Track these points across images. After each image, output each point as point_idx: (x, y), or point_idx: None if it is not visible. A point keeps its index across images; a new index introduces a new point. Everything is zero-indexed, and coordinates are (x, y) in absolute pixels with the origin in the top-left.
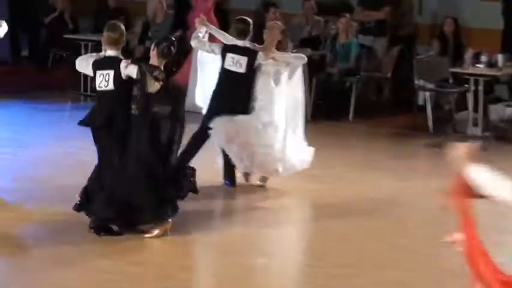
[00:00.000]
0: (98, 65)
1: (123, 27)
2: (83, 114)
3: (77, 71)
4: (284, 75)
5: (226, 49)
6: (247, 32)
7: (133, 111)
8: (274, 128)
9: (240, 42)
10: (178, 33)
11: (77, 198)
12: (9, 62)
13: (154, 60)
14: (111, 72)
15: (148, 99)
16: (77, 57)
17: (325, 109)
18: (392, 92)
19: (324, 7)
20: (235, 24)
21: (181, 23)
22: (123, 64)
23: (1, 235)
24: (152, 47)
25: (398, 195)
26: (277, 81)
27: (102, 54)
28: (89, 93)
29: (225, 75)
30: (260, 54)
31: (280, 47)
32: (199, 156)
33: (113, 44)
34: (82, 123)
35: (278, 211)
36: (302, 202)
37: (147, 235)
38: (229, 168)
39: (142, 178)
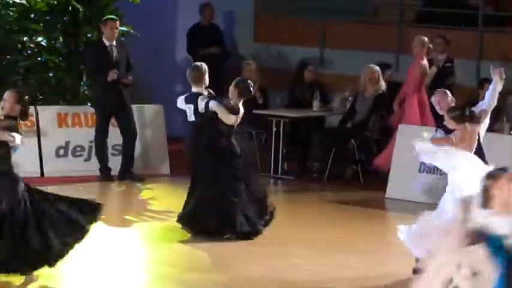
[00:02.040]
0: (186, 100)
1: (203, 66)
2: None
3: (267, 154)
4: None
5: None
6: None
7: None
8: None
9: None
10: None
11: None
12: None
13: (234, 98)
14: (192, 106)
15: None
16: (268, 135)
17: None
18: None
19: None
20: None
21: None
22: (199, 98)
23: None
24: (232, 86)
25: None
26: None
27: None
28: (279, 175)
29: None
30: None
31: None
32: None
33: (194, 81)
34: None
35: None
36: None
37: None
38: None
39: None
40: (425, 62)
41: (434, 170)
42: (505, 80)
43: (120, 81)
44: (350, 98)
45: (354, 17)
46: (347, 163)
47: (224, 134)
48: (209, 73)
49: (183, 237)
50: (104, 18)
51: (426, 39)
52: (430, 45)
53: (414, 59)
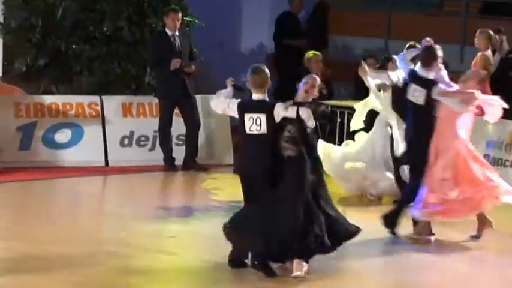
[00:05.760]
0: (245, 108)
1: (267, 70)
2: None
3: None
4: None
5: None
6: None
7: (287, 153)
8: None
9: None
10: None
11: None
12: None
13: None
14: (263, 116)
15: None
16: (331, 127)
17: None
18: None
19: None
20: None
21: None
22: (280, 107)
23: None
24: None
25: None
26: None
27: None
28: None
29: None
30: None
31: None
32: None
33: (259, 87)
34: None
35: None
36: None
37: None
38: None
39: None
40: (488, 52)
41: None
42: None
43: (183, 71)
44: None
45: (419, 9)
46: None
47: None
48: (289, 65)
49: None
50: (166, 9)
51: (491, 32)
52: (497, 37)
53: (478, 52)
